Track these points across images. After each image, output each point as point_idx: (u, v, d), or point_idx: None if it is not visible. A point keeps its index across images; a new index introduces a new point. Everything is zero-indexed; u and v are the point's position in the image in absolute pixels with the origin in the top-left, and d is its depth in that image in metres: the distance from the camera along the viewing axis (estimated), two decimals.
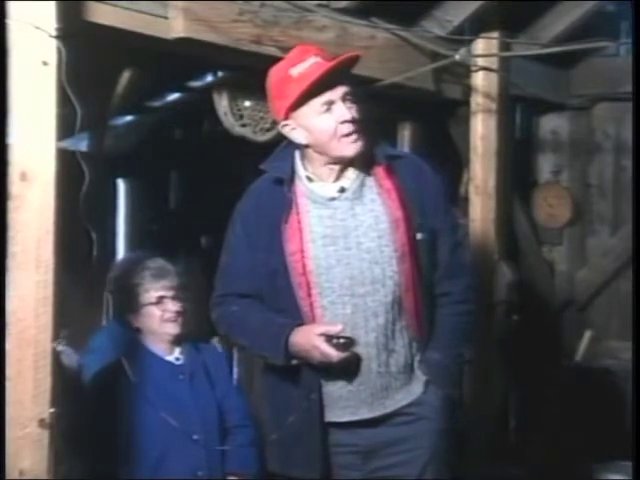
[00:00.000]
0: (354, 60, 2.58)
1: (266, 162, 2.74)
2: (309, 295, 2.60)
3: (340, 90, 2.56)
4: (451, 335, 2.68)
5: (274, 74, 2.61)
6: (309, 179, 2.66)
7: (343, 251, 2.61)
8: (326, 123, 2.57)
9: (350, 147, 2.58)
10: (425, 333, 2.66)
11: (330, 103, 2.56)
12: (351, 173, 2.65)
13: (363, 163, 2.65)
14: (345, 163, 2.64)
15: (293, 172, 2.67)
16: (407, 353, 2.65)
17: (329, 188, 2.65)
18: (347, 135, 2.57)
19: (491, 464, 4.12)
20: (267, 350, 2.65)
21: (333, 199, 2.64)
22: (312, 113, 2.57)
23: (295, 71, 2.56)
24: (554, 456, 4.46)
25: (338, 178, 2.65)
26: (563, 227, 5.03)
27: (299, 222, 2.62)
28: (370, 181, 2.65)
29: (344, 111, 2.55)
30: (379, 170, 2.65)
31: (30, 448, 2.57)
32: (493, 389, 4.35)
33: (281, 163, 2.69)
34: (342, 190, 2.64)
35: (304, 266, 2.59)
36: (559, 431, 4.60)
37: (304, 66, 2.55)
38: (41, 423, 2.57)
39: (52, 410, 2.59)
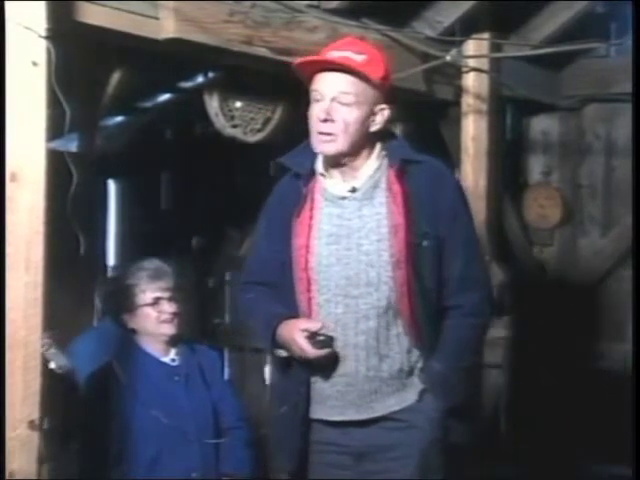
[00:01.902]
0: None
1: (286, 156, 2.72)
2: (308, 290, 2.61)
3: (334, 88, 2.53)
4: (456, 347, 2.63)
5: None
6: (323, 176, 2.66)
7: (344, 251, 2.60)
8: (311, 112, 2.57)
9: (322, 146, 2.57)
10: (426, 342, 2.61)
11: (318, 95, 2.55)
12: (364, 173, 2.63)
13: (381, 164, 2.64)
14: (349, 163, 2.61)
15: (312, 167, 2.66)
16: (403, 360, 2.61)
17: (341, 187, 2.64)
18: (321, 134, 2.56)
19: (485, 465, 4.12)
20: (260, 338, 2.70)
21: (344, 198, 2.63)
22: (311, 94, 2.58)
23: (327, 51, 2.58)
24: (546, 456, 4.47)
25: (350, 177, 2.63)
26: (554, 228, 5.04)
27: (311, 218, 2.62)
28: (383, 183, 2.62)
29: (322, 109, 2.53)
30: (391, 173, 2.62)
31: (20, 450, 2.56)
32: (482, 390, 4.36)
33: (301, 158, 2.68)
34: (353, 190, 2.62)
35: (307, 262, 2.60)
36: (551, 431, 4.61)
37: (332, 53, 2.56)
38: (31, 425, 2.57)
39: (40, 415, 2.58)
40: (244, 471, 3.42)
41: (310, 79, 2.58)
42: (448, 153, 4.40)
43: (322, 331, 2.55)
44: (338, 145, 2.56)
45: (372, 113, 2.58)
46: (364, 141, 2.61)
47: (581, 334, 4.80)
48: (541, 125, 5.11)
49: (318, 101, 2.55)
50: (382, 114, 2.60)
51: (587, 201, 5.06)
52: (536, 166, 5.13)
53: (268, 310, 2.67)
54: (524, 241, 4.99)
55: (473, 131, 4.26)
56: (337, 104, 2.54)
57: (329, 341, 2.55)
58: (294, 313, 2.62)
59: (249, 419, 3.60)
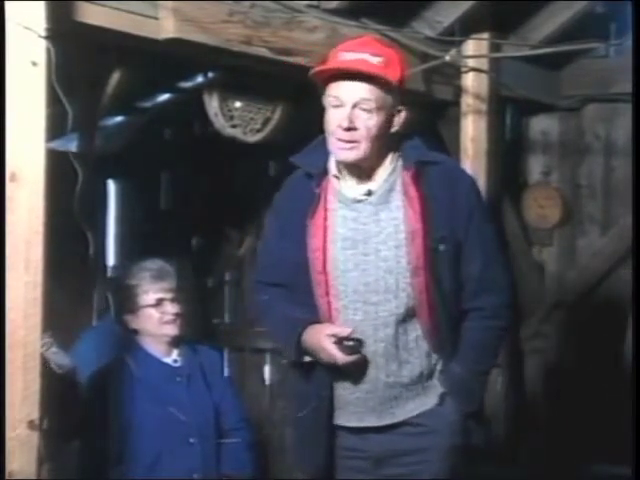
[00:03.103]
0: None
1: (298, 155, 2.68)
2: (327, 294, 2.58)
3: (355, 95, 2.49)
4: (475, 350, 2.61)
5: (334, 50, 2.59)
6: (337, 177, 2.62)
7: (361, 256, 2.57)
8: (328, 117, 2.54)
9: (342, 153, 2.54)
10: (446, 346, 2.60)
11: (336, 101, 2.51)
12: (380, 176, 2.60)
13: (396, 166, 2.61)
14: (365, 165, 2.58)
15: (326, 167, 2.62)
16: (423, 364, 2.60)
17: (356, 189, 2.60)
18: (341, 141, 2.52)
19: (484, 465, 4.12)
20: (283, 344, 2.68)
21: (359, 201, 2.59)
22: (327, 99, 2.54)
23: (340, 52, 2.53)
24: (546, 456, 4.47)
25: (366, 179, 2.60)
26: (553, 228, 5.04)
27: (325, 219, 2.58)
28: (399, 186, 2.58)
29: (344, 116, 2.49)
30: (406, 176, 2.57)
31: (19, 450, 2.56)
32: None
33: (313, 157, 2.63)
34: (369, 193, 2.59)
35: (323, 265, 2.56)
36: (551, 431, 4.61)
37: (346, 55, 2.51)
38: (30, 425, 2.56)
39: (39, 414, 2.57)
40: (245, 472, 3.43)
41: (325, 84, 2.54)
42: (447, 153, 4.40)
43: (351, 336, 2.51)
44: (360, 152, 2.52)
45: (391, 115, 2.55)
46: (383, 144, 2.57)
47: (580, 334, 4.79)
48: (541, 125, 5.10)
49: (336, 107, 2.51)
50: (400, 116, 2.58)
51: (586, 201, 5.05)
52: (536, 166, 5.13)
53: (287, 314, 2.63)
54: (523, 241, 4.99)
55: (472, 131, 4.26)
56: (359, 111, 2.50)
57: (358, 346, 2.51)
58: (315, 317, 2.58)
59: (250, 420, 3.60)
